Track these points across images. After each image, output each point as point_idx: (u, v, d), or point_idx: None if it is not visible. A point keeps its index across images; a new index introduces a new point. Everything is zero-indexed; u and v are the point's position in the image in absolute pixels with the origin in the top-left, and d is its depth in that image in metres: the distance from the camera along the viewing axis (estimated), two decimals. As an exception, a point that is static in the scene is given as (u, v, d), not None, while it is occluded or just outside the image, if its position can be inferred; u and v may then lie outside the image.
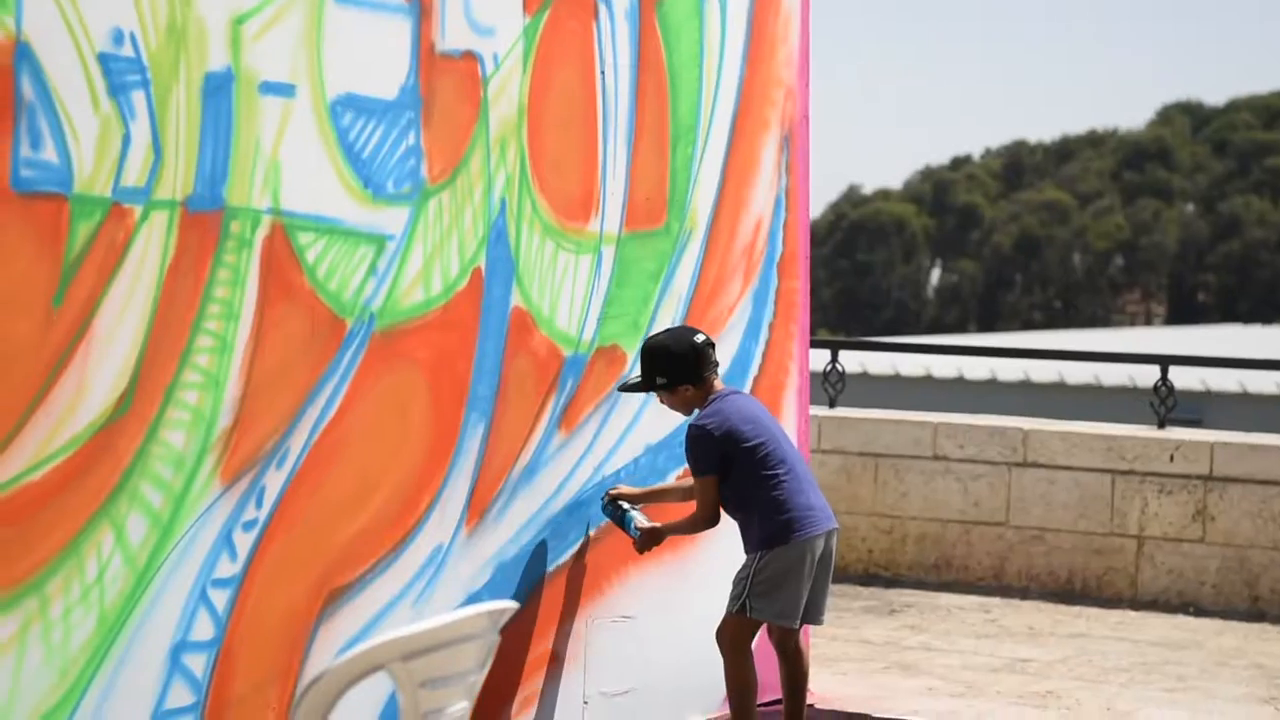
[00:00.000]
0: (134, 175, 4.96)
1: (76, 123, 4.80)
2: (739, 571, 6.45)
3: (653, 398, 6.84)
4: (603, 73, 6.64)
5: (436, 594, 6.02)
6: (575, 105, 6.55)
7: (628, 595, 6.88)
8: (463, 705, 3.43)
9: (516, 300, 6.33)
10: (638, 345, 6.84)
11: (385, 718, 5.81)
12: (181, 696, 5.20)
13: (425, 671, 3.29)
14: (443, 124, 5.97)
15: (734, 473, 6.40)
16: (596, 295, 6.69)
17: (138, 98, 4.96)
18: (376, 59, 5.72)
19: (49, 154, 4.74)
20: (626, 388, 6.58)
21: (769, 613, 6.42)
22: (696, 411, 6.51)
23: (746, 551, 6.48)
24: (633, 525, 6.49)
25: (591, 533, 6.72)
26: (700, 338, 6.51)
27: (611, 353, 6.78)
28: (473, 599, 6.14)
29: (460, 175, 6.05)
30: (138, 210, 4.98)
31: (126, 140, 4.94)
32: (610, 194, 6.72)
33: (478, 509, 6.22)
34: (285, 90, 5.39)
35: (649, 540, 6.49)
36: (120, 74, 4.91)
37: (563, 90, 6.48)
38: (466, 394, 6.16)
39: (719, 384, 6.56)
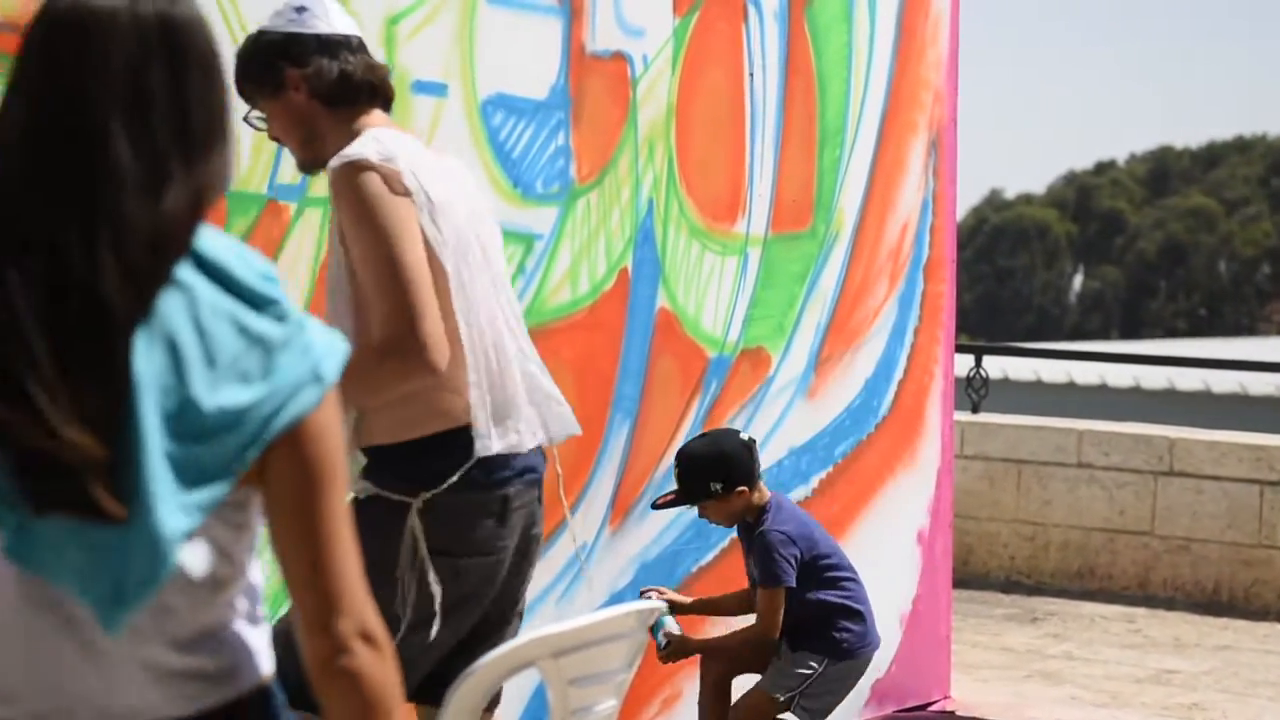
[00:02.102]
0: (289, 173, 5.00)
1: (237, 123, 4.86)
2: (797, 664, 5.95)
3: (795, 404, 6.85)
4: (751, 74, 6.64)
5: (579, 593, 6.04)
6: (723, 107, 6.55)
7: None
8: (611, 704, 3.43)
9: (662, 301, 6.34)
10: (783, 347, 6.85)
11: (530, 713, 5.85)
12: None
13: (575, 669, 3.30)
14: (592, 125, 5.99)
15: (805, 580, 5.96)
16: (742, 297, 6.69)
17: (294, 97, 5.02)
18: (527, 59, 5.75)
19: (207, 151, 4.79)
20: (663, 504, 5.99)
21: (811, 714, 5.98)
22: (752, 520, 6.00)
23: (805, 648, 5.96)
24: (660, 632, 5.77)
25: (733, 533, 6.71)
26: (747, 435, 6.05)
27: (756, 355, 6.77)
28: (615, 599, 6.15)
29: (608, 176, 6.08)
30: (292, 207, 5.05)
31: (282, 140, 5.00)
32: (757, 196, 6.72)
33: (621, 509, 6.24)
34: (437, 89, 5.44)
35: (677, 652, 5.87)
36: (276, 73, 4.97)
37: (711, 92, 6.49)
38: (612, 394, 6.18)
39: (766, 489, 6.04)
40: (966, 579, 10.28)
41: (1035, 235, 66.03)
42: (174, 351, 2.06)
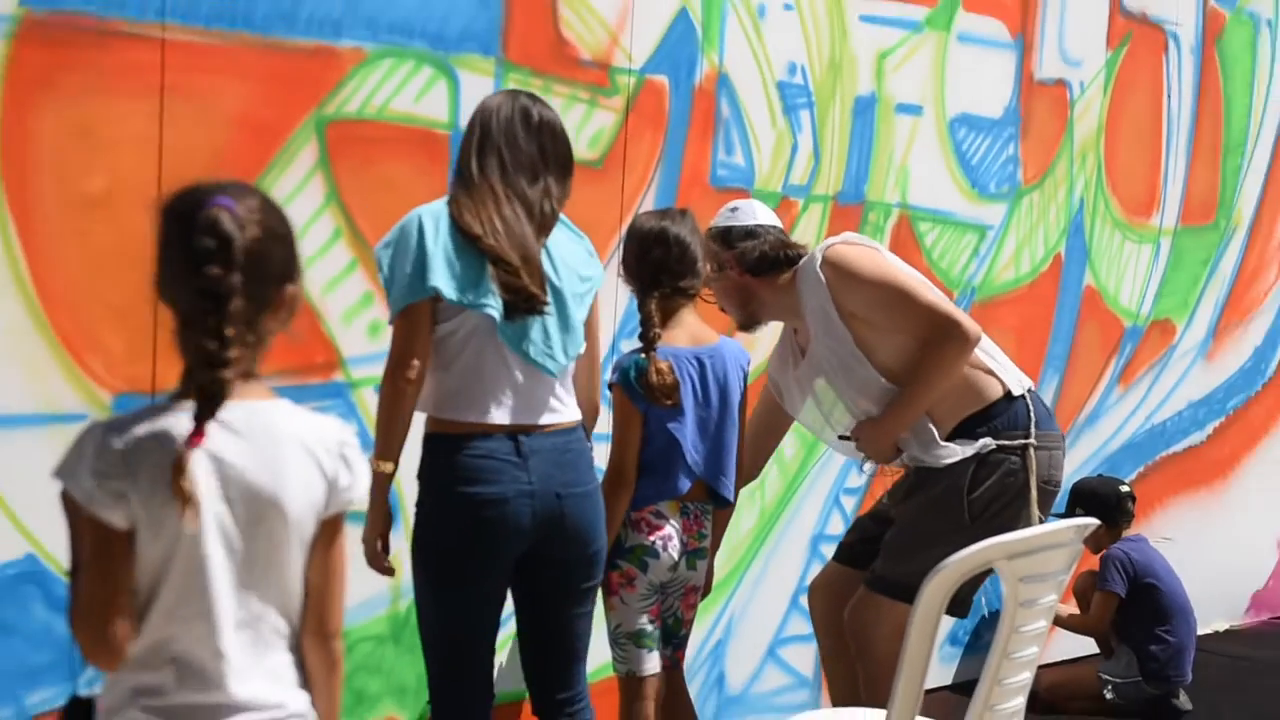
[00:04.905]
0: (799, 175, 4.99)
1: (758, 135, 4.86)
2: (1114, 674, 5.61)
3: (1195, 365, 6.58)
4: (1169, 96, 6.32)
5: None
6: (1145, 123, 6.25)
7: (1169, 520, 6.57)
8: (1052, 598, 3.31)
9: (1088, 280, 6.09)
10: (1187, 318, 6.54)
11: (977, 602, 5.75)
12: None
13: (1025, 569, 3.18)
14: (1036, 138, 5.78)
15: (1133, 605, 5.59)
16: (1154, 278, 6.38)
17: (804, 116, 4.98)
18: (987, 86, 5.58)
19: (738, 158, 4.81)
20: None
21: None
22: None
23: (1113, 675, 5.61)
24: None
25: (1139, 470, 6.46)
26: (1128, 488, 5.76)
27: (1164, 325, 6.46)
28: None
29: (1048, 179, 5.86)
30: (800, 202, 5.01)
31: (794, 149, 4.97)
32: (1170, 196, 6.40)
33: (1050, 445, 6.05)
34: (915, 110, 5.32)
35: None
36: (792, 98, 4.94)
37: (1135, 111, 6.19)
38: (1045, 354, 5.98)
39: (1127, 534, 5.72)
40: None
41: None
42: (563, 251, 3.33)
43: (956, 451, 4.02)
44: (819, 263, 4.00)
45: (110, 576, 2.07)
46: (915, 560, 3.96)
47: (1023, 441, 4.02)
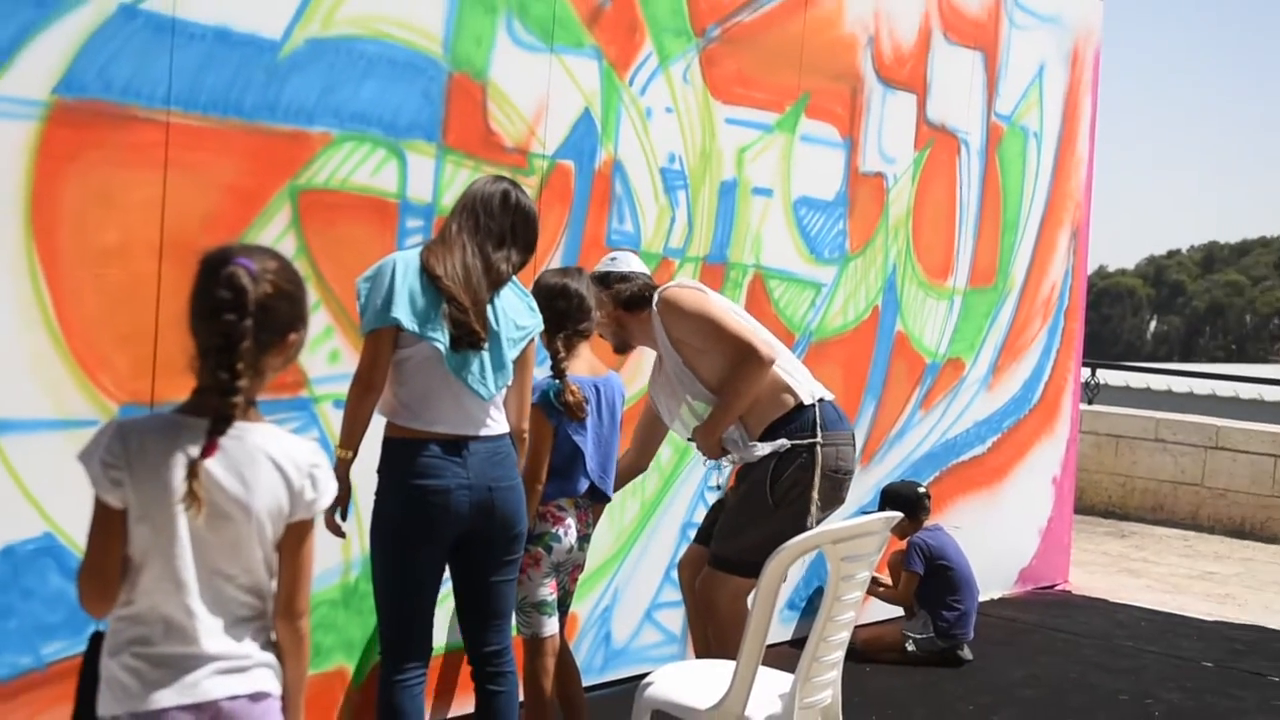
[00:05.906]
0: (676, 241, 4.98)
1: (645, 209, 4.84)
2: (914, 632, 5.59)
3: (979, 394, 6.61)
4: (961, 188, 6.39)
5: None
6: (942, 208, 6.31)
7: (958, 513, 6.61)
8: (865, 574, 3.32)
9: (899, 327, 6.13)
10: (973, 358, 6.60)
11: (810, 578, 5.74)
12: (686, 554, 5.20)
13: (846, 550, 3.18)
14: (860, 217, 5.82)
15: (930, 580, 5.56)
16: (949, 326, 6.44)
17: (680, 195, 4.97)
18: (823, 175, 5.61)
19: (628, 226, 4.78)
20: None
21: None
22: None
23: (914, 633, 5.59)
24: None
25: (936, 474, 6.50)
26: (924, 488, 5.73)
27: (956, 362, 6.51)
28: (863, 510, 5.99)
29: (869, 249, 5.90)
30: (677, 262, 4.99)
31: (673, 220, 4.95)
32: (961, 263, 6.47)
33: (868, 454, 6.06)
34: (767, 193, 5.34)
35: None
36: (672, 180, 4.92)
37: (935, 198, 6.25)
38: (865, 383, 6.01)
39: (926, 523, 5.69)
40: (1081, 509, 9.83)
41: (1126, 296, 63.33)
42: (506, 304, 3.29)
43: (763, 448, 4.04)
44: (656, 301, 4.04)
45: (104, 544, 2.08)
46: (738, 539, 4.02)
47: (810, 441, 4.03)
